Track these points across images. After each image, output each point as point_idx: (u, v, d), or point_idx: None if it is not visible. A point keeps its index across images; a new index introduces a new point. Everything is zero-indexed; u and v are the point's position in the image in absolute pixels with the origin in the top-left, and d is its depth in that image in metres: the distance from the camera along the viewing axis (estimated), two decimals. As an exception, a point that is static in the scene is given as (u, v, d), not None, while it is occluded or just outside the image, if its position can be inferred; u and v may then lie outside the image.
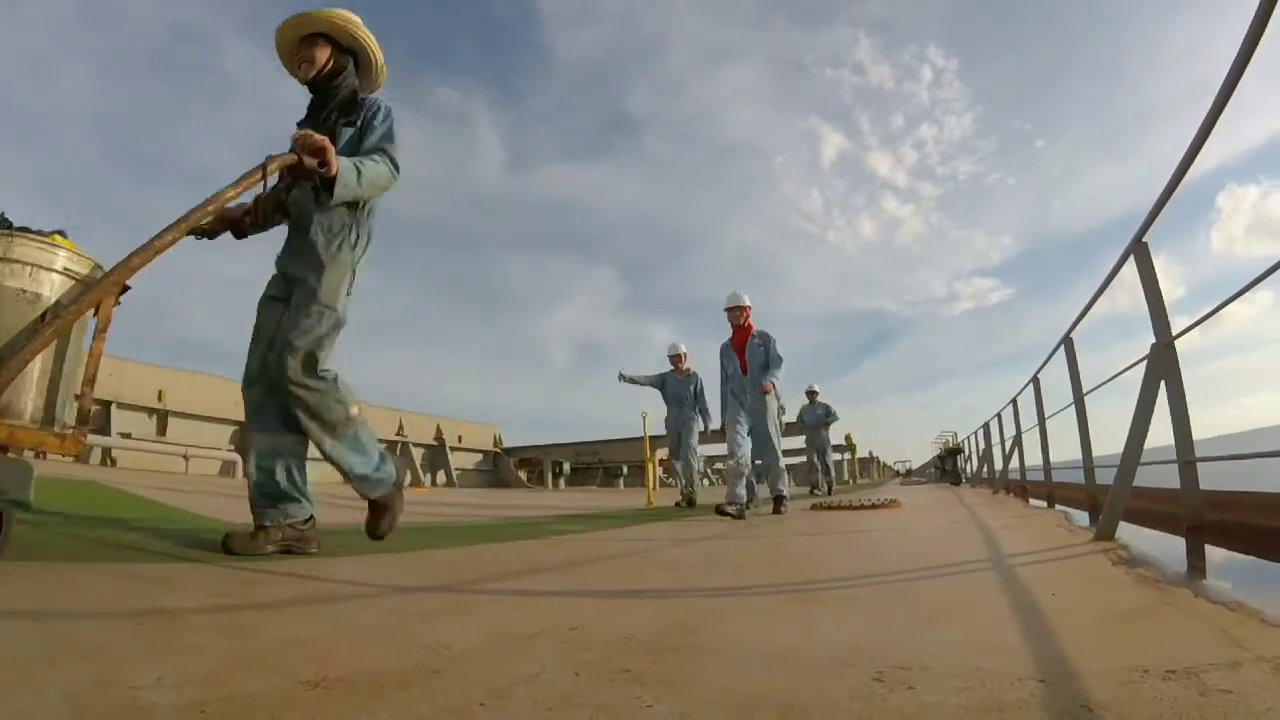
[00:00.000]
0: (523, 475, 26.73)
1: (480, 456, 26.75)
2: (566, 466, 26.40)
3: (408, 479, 21.08)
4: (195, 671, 1.34)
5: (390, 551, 3.49)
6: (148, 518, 4.56)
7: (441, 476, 23.23)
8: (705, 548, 4.39)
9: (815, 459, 14.50)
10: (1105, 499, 3.76)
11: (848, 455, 34.06)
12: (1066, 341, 6.05)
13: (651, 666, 1.45)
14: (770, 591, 2.64)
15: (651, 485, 10.92)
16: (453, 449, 24.09)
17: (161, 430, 16.87)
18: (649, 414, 10.69)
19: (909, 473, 51.63)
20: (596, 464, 28.75)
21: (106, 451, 14.92)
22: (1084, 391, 5.86)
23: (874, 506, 7.50)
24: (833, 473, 14.94)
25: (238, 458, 16.00)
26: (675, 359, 9.74)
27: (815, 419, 15.03)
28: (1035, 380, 8.14)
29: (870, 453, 43.92)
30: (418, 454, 22.43)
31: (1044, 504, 8.11)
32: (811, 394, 15.07)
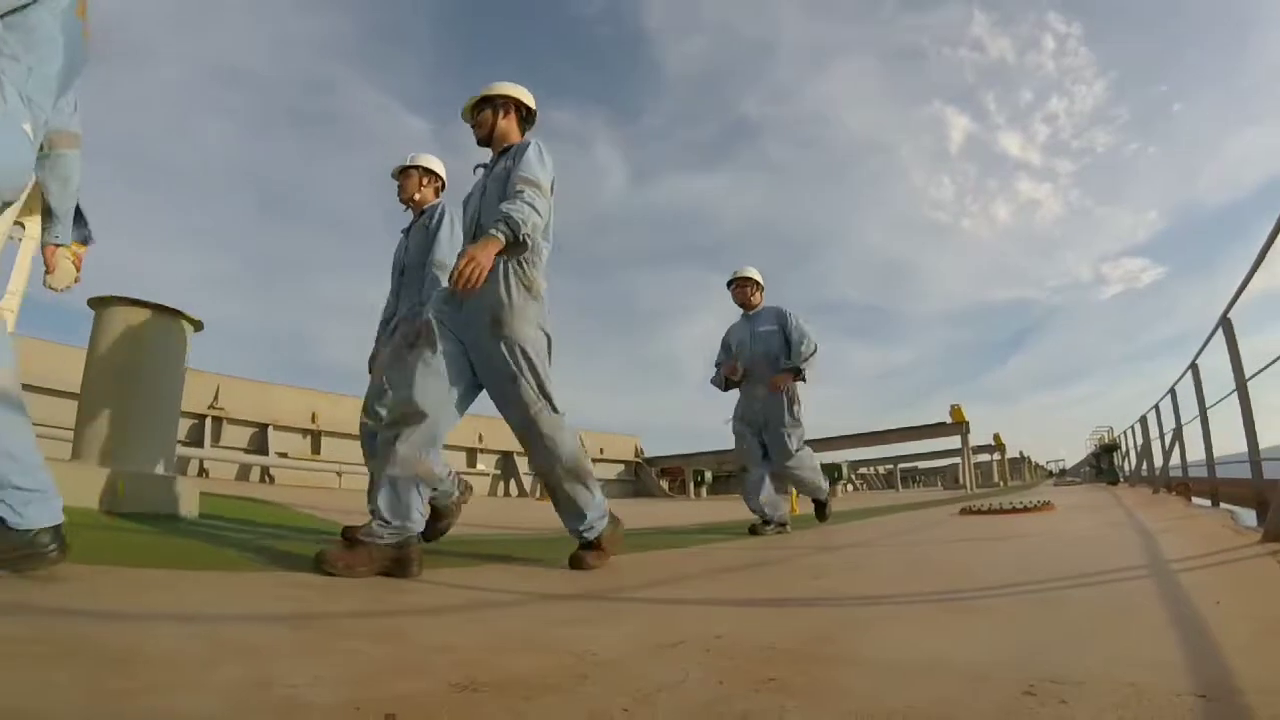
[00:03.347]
0: (664, 485, 26.87)
1: (621, 467, 27.11)
2: (708, 475, 26.32)
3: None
4: (349, 673, 1.40)
5: (535, 562, 3.56)
6: (304, 529, 4.84)
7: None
8: (848, 555, 4.34)
9: (756, 436, 6.25)
10: (1274, 496, 3.44)
11: (996, 456, 32.62)
12: (1225, 323, 5.52)
13: (794, 676, 1.43)
14: (915, 600, 2.54)
15: (794, 493, 10.70)
16: (595, 460, 24.53)
17: (315, 449, 18.01)
18: None
19: (1062, 472, 49.01)
20: (739, 472, 28.66)
21: (265, 470, 16.06)
22: (1246, 377, 5.30)
23: (1024, 510, 7.15)
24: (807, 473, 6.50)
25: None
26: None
27: (763, 345, 6.22)
28: (1194, 367, 7.47)
29: (1020, 452, 41.93)
30: None
31: (1207, 503, 7.47)
32: (745, 284, 6.33)
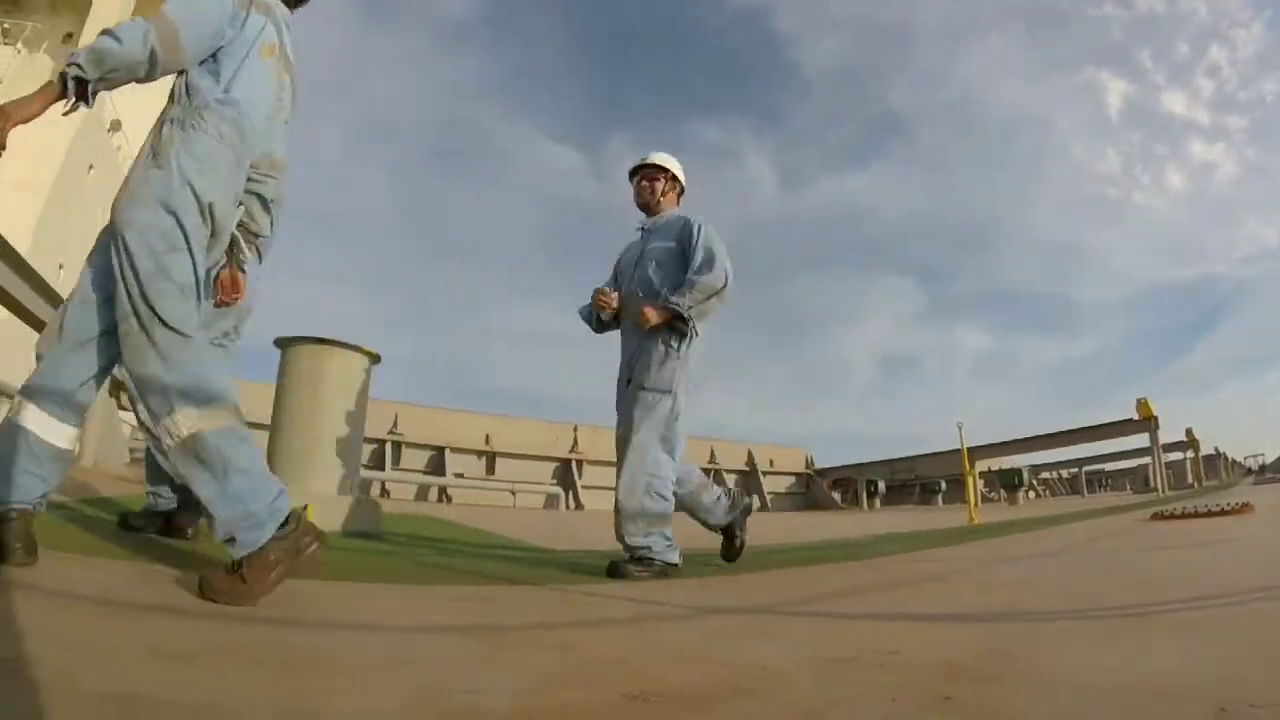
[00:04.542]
0: (836, 496, 26.26)
1: (792, 479, 26.73)
2: (881, 485, 25.56)
3: None
4: (522, 682, 1.43)
5: (704, 575, 3.55)
6: (482, 545, 5.03)
7: (755, 501, 23.49)
8: (1029, 567, 4.16)
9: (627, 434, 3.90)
10: None
11: (1189, 454, 29.80)
12: None
13: (972, 695, 1.35)
14: (1098, 615, 2.36)
15: (973, 501, 10.20)
16: (765, 473, 24.33)
17: (490, 469, 18.77)
18: (964, 423, 9.99)
19: (1262, 469, 44.51)
20: (913, 480, 27.61)
21: (443, 489, 16.86)
22: None
23: (1220, 513, 6.54)
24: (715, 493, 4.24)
25: (560, 491, 17.32)
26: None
27: (649, 268, 4.04)
28: None
29: (1215, 448, 38.26)
30: (730, 480, 22.87)
31: None
32: (650, 174, 4.16)
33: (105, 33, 2.15)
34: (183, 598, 2.10)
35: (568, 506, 17.54)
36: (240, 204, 2.43)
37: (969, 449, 10.42)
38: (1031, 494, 25.96)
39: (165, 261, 2.13)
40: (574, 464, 19.86)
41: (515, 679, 1.46)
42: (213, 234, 2.28)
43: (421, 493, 17.29)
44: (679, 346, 3.71)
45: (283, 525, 2.09)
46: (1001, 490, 22.37)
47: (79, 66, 2.11)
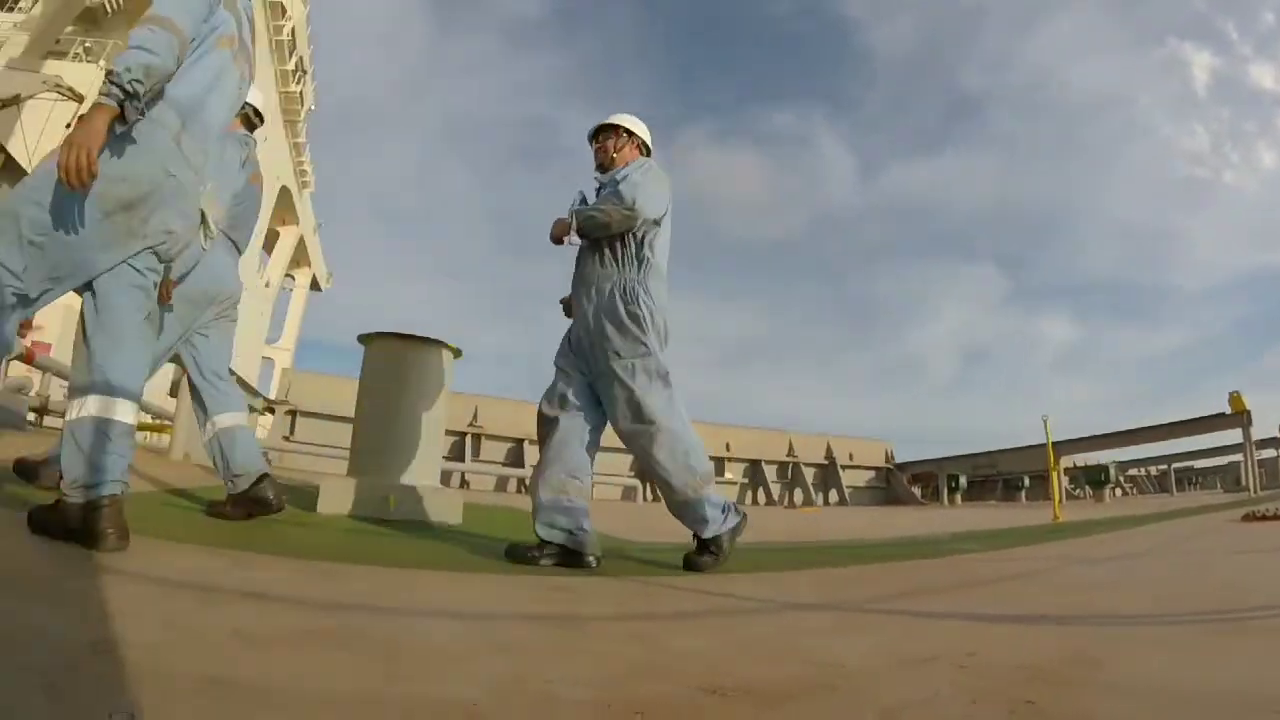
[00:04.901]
0: (916, 491, 25.72)
1: (872, 473, 26.26)
2: (962, 480, 24.89)
3: (800, 499, 21.30)
4: (600, 673, 1.45)
5: (784, 569, 3.53)
6: None
7: (834, 495, 23.17)
8: (1114, 568, 4.03)
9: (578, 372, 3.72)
10: None
11: None
12: None
13: (1053, 701, 1.32)
14: (1187, 620, 2.27)
15: (1057, 498, 9.85)
16: (844, 467, 23.96)
17: (572, 460, 18.93)
18: (1049, 417, 9.67)
19: None
20: (995, 476, 26.83)
21: (522, 481, 17.09)
22: None
23: None
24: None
25: (637, 483, 17.40)
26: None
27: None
28: None
29: None
30: (809, 473, 22.65)
31: None
32: (607, 135, 3.88)
33: (140, 48, 2.23)
34: (268, 583, 2.18)
35: (645, 499, 17.60)
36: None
37: (1054, 444, 10.05)
38: (1118, 491, 24.96)
39: None
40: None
41: (593, 670, 1.47)
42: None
43: (501, 484, 17.60)
44: (640, 303, 3.42)
45: None
46: (1087, 487, 21.51)
47: (134, 83, 2.18)
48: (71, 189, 2.12)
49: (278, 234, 36.77)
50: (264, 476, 3.65)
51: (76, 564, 2.05)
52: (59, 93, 10.62)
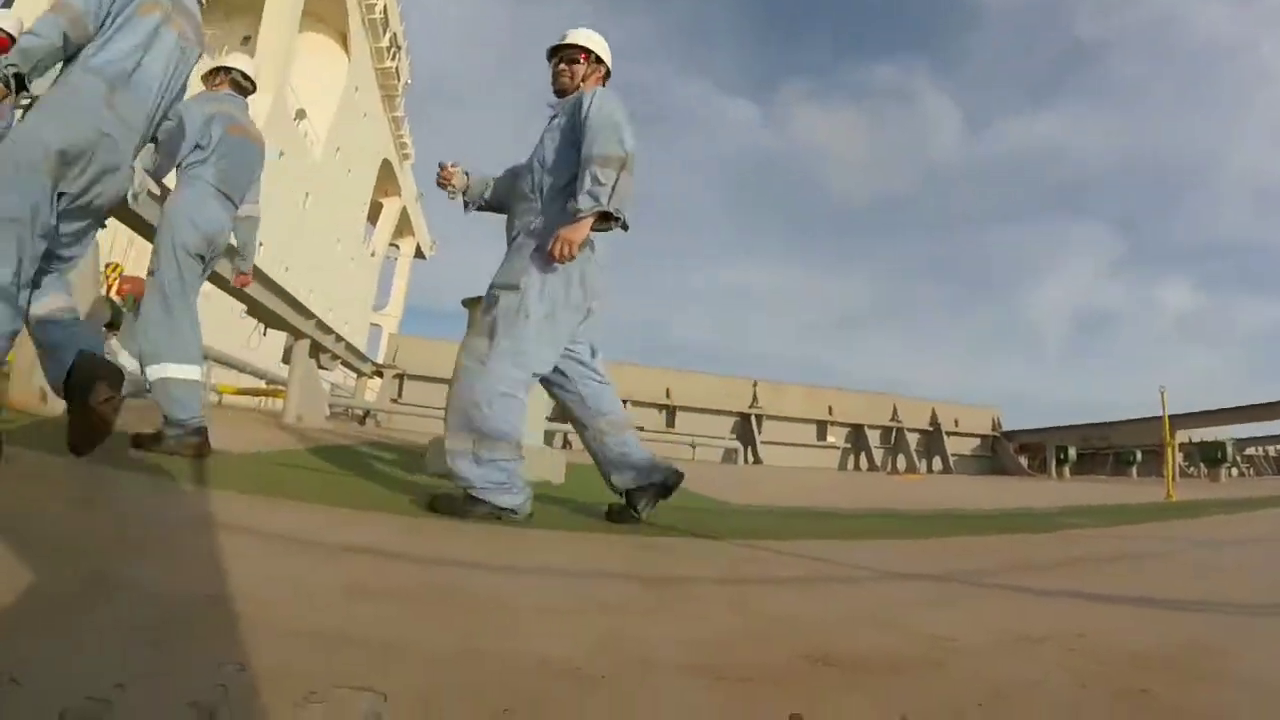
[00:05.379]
0: (1023, 461, 24.75)
1: (977, 441, 25.37)
2: (1071, 452, 23.70)
3: (903, 465, 20.85)
4: (701, 636, 1.45)
5: (886, 538, 3.46)
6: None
7: (938, 463, 22.56)
8: (1234, 553, 3.82)
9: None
10: None
11: None
12: None
13: (1169, 690, 1.25)
14: None
15: (1171, 474, 9.30)
16: (948, 434, 23.21)
17: (670, 423, 19.01)
18: (1166, 389, 9.15)
19: None
20: (1105, 449, 25.50)
21: (624, 443, 17.31)
22: None
23: None
24: None
25: (739, 445, 17.39)
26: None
27: (535, 155, 3.46)
28: None
29: None
30: (913, 439, 22.07)
31: None
32: (565, 55, 3.47)
33: (28, 33, 2.63)
34: (376, 539, 2.25)
35: (746, 461, 17.56)
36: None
37: (1170, 417, 9.52)
38: (1234, 471, 23.47)
39: None
40: (753, 419, 19.81)
41: (690, 632, 1.47)
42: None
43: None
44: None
45: None
46: (1201, 465, 20.25)
47: (15, 65, 2.58)
48: None
49: (381, 205, 38.20)
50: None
51: (187, 520, 2.16)
52: None
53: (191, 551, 1.74)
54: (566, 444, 16.53)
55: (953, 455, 22.41)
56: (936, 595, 2.16)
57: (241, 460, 4.13)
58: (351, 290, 33.95)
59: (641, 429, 18.32)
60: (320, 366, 12.44)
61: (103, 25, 2.85)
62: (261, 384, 16.56)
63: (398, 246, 43.30)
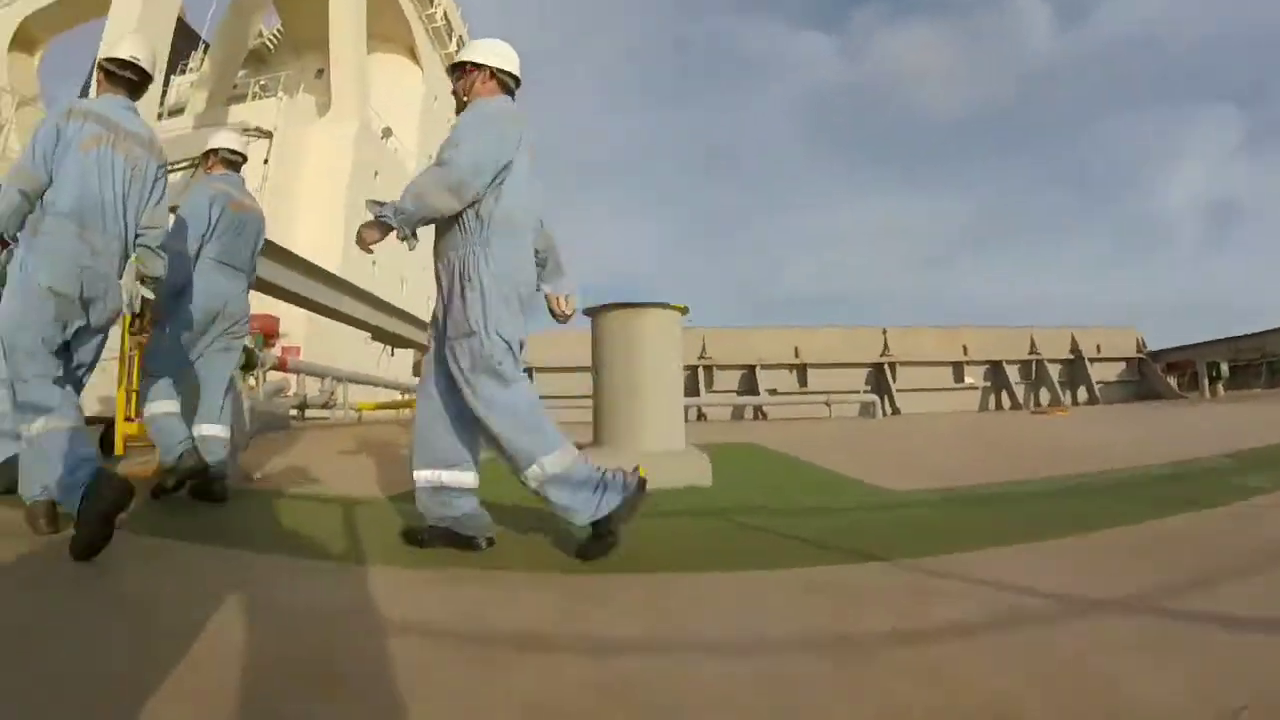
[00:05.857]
0: (1172, 382, 23.03)
1: (1122, 365, 23.68)
2: (1223, 367, 21.73)
3: (1046, 399, 19.87)
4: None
5: (1066, 531, 3.27)
6: (809, 484, 5.20)
7: (1082, 393, 21.35)
8: None
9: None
10: None
11: None
12: None
13: None
14: None
15: None
16: (1091, 360, 21.84)
17: (802, 382, 18.75)
18: None
19: None
20: (1259, 360, 23.22)
21: (757, 408, 17.18)
22: None
23: None
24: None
25: (874, 398, 17.02)
26: None
27: None
28: None
29: None
30: (1054, 371, 20.93)
31: None
32: (454, 77, 3.51)
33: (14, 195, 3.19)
34: (535, 616, 2.22)
35: (884, 413, 17.09)
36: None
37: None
38: None
39: None
40: (886, 368, 19.26)
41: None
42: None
43: (736, 412, 17.72)
44: (473, 275, 3.02)
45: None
46: None
47: (10, 239, 3.23)
48: None
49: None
50: (218, 476, 4.29)
51: (345, 610, 2.18)
52: (249, 135, 11.63)
53: (362, 678, 1.69)
54: (700, 417, 16.60)
55: (1098, 383, 21.13)
56: (1134, 637, 1.94)
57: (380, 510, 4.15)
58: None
59: (774, 391, 18.18)
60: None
61: (54, 170, 3.27)
62: (398, 396, 17.23)
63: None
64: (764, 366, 18.55)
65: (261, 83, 25.85)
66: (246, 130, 11.93)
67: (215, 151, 4.89)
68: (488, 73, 3.32)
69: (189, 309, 4.35)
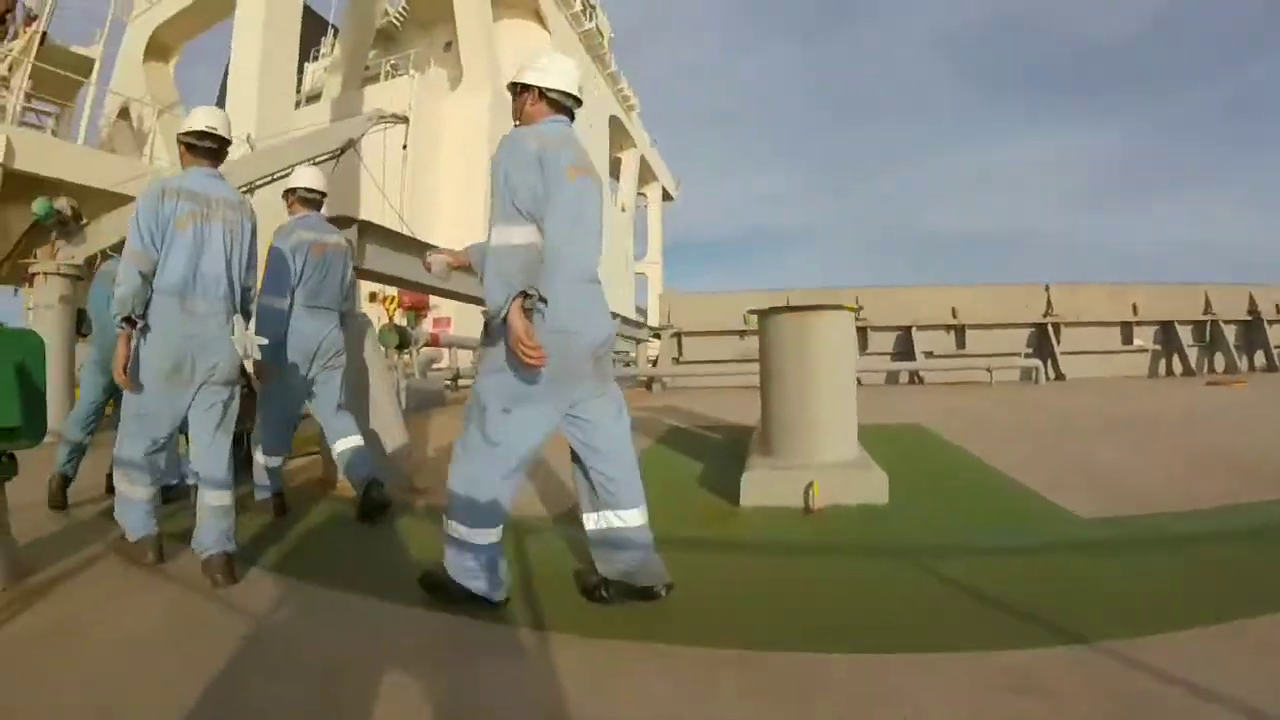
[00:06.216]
0: (1357, 343, 20.46)
1: None
2: None
3: (1221, 365, 18.20)
4: None
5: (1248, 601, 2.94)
6: (987, 500, 4.99)
7: (1259, 357, 19.38)
8: None
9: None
10: None
11: None
12: None
13: None
14: None
15: None
16: (1270, 322, 19.72)
17: (960, 344, 17.99)
18: None
19: None
20: None
21: (914, 373, 16.65)
22: None
23: None
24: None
25: (1036, 363, 16.05)
26: None
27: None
28: None
29: None
30: (1229, 333, 19.03)
31: None
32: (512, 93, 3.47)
33: (117, 286, 3.53)
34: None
35: (1046, 378, 16.06)
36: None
37: None
38: None
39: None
40: (1050, 328, 18.14)
41: None
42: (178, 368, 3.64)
43: (891, 377, 17.20)
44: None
45: None
46: None
47: (120, 314, 3.51)
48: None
49: (620, 160, 39.33)
50: (373, 483, 4.85)
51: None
52: (385, 123, 11.83)
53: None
54: (858, 383, 16.16)
55: (1276, 347, 19.24)
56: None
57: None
58: (613, 252, 35.28)
59: (930, 354, 17.48)
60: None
61: (160, 246, 3.63)
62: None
63: (644, 195, 44.74)
64: (920, 328, 17.93)
65: (392, 62, 26.58)
66: (383, 118, 12.15)
67: (294, 191, 5.23)
68: (536, 93, 3.21)
69: (286, 355, 4.79)
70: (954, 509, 4.92)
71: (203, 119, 3.89)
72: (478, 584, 3.07)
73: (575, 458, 3.22)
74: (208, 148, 3.91)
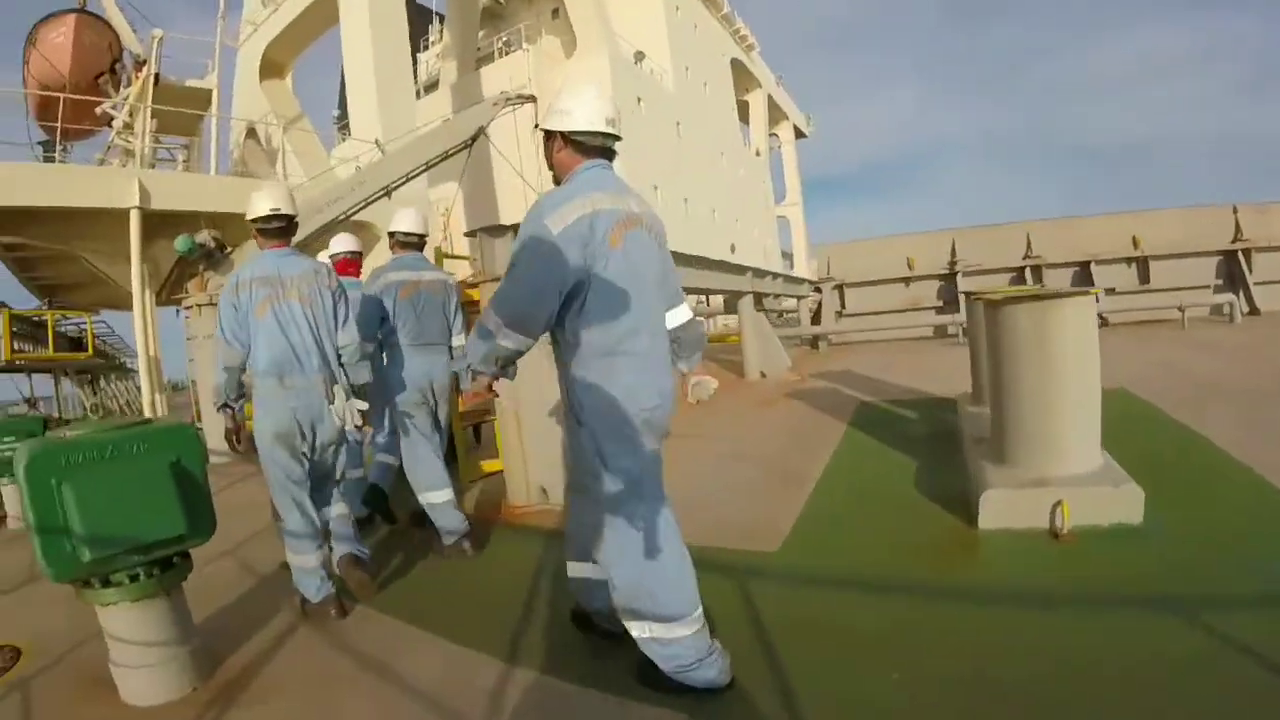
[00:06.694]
0: None
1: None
2: None
3: None
4: None
5: None
6: (1243, 515, 4.29)
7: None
8: None
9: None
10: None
11: None
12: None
13: None
14: None
15: None
16: None
17: (1144, 278, 16.49)
18: None
19: None
20: None
21: (1100, 316, 15.38)
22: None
23: None
24: None
25: (1231, 298, 14.46)
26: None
27: None
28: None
29: None
30: None
31: None
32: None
33: (215, 376, 4.01)
34: None
35: (1240, 313, 14.22)
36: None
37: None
38: None
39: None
40: (1239, 255, 16.28)
41: None
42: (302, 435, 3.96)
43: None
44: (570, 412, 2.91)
45: None
46: None
47: (217, 401, 3.99)
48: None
49: (747, 103, 38.11)
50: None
51: None
52: (512, 104, 11.46)
53: None
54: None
55: None
56: None
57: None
58: (749, 197, 34.39)
59: (1112, 290, 16.04)
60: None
61: (244, 338, 3.93)
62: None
63: (777, 136, 43.35)
64: (1098, 262, 16.56)
65: (504, 39, 26.44)
66: (509, 100, 11.81)
67: (393, 234, 5.40)
68: (559, 140, 2.89)
69: (399, 398, 4.98)
70: (1215, 527, 4.23)
71: (268, 202, 4.05)
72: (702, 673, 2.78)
73: None
74: (277, 228, 4.11)
